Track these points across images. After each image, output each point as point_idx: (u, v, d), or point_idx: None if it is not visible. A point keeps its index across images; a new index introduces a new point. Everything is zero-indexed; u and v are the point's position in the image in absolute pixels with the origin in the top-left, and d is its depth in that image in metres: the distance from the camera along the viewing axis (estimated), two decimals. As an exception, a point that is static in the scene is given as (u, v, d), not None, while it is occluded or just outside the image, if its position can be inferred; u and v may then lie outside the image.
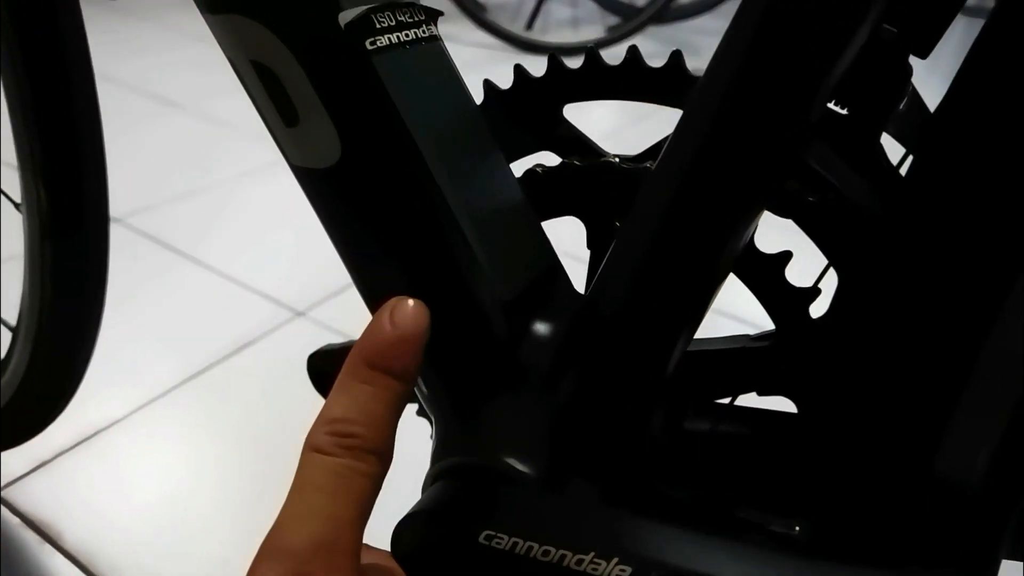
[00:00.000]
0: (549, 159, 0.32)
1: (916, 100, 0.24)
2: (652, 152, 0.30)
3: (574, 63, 0.30)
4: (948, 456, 0.25)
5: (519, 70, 0.31)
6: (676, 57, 0.28)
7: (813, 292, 0.28)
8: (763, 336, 0.30)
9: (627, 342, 0.25)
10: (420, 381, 0.28)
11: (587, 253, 0.31)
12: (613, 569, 0.20)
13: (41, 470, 0.75)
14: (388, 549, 0.26)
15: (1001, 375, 0.24)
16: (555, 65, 0.30)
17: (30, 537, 0.68)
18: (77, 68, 0.41)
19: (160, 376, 0.88)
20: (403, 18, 0.25)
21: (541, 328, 0.26)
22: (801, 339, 0.28)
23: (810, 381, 0.29)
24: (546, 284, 0.28)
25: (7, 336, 0.56)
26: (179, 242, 1.14)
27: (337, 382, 0.24)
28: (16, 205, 0.47)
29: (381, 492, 0.24)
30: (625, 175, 0.29)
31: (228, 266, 1.10)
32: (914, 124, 0.24)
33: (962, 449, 0.25)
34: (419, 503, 0.25)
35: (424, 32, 0.26)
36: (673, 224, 0.24)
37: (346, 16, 0.23)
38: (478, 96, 0.30)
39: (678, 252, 0.24)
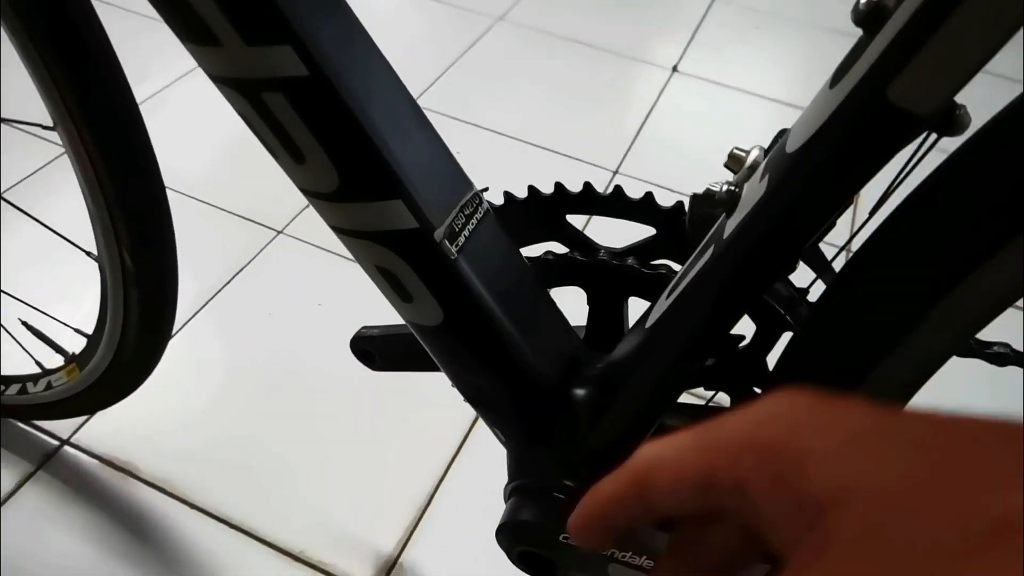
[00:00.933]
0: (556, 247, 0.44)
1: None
2: (632, 249, 0.43)
3: (575, 188, 0.42)
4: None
5: (532, 189, 0.42)
6: (649, 197, 0.40)
7: (738, 338, 0.43)
8: (709, 357, 0.45)
9: (652, 394, 0.39)
10: (498, 432, 0.42)
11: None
12: (643, 561, 0.36)
13: (99, 413, 0.87)
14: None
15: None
16: (559, 188, 0.42)
17: (110, 474, 0.82)
18: (149, 168, 0.49)
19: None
20: (468, 210, 0.36)
21: (578, 391, 0.40)
22: (733, 362, 0.43)
23: (739, 386, 0.44)
24: (573, 356, 0.41)
25: (80, 339, 0.67)
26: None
27: None
28: (90, 254, 0.56)
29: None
30: (613, 267, 0.42)
31: (196, 189, 1.16)
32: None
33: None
34: (507, 514, 0.40)
35: (480, 212, 0.37)
36: (705, 329, 0.37)
37: (440, 234, 0.35)
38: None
39: (699, 351, 0.38)
